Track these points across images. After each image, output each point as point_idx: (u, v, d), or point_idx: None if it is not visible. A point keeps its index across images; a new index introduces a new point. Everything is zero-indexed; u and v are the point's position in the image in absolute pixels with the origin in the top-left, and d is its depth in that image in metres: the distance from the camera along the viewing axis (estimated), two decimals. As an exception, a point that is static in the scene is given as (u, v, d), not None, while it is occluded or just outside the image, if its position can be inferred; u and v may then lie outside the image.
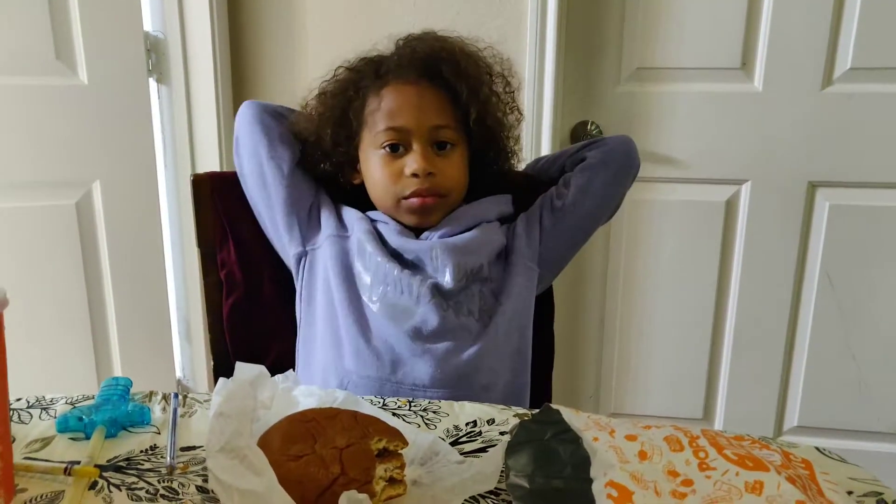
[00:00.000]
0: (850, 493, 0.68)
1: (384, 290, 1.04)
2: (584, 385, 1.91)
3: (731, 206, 1.75)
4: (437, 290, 1.03)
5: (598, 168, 1.12)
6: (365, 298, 1.06)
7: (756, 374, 1.82)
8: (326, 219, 1.11)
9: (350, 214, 1.12)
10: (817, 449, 0.78)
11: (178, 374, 1.90)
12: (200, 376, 1.89)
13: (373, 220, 1.10)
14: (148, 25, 1.70)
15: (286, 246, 1.12)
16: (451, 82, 1.05)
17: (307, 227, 1.11)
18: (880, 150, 1.66)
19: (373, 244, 1.06)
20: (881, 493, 0.69)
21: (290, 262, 1.13)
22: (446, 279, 1.03)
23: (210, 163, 1.75)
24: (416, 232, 1.10)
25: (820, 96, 1.65)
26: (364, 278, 1.06)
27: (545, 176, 1.20)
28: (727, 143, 1.70)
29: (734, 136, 1.69)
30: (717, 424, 1.87)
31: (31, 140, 1.63)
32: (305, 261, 1.11)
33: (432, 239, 1.08)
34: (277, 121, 1.13)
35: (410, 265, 1.06)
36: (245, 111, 1.14)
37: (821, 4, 1.60)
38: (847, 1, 1.59)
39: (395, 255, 1.06)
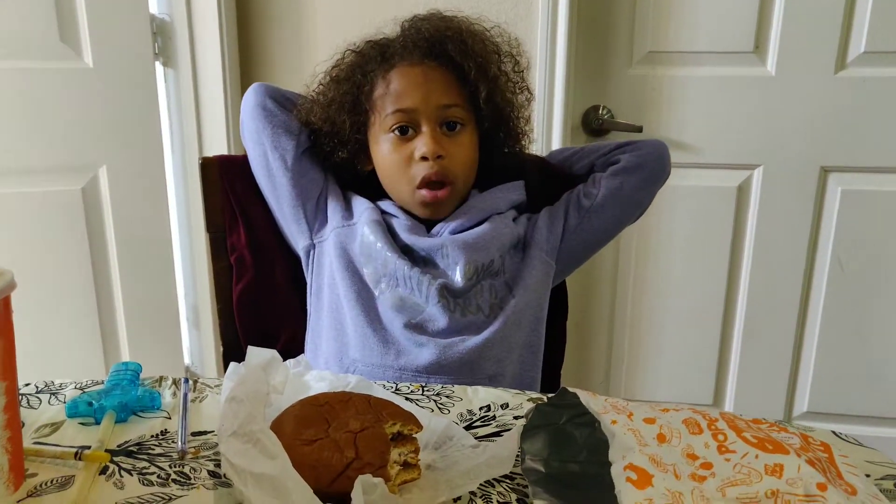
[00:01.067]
0: (867, 475, 0.67)
1: (393, 284, 1.03)
2: (594, 371, 1.90)
3: (742, 192, 1.73)
4: (446, 290, 1.02)
5: (632, 173, 1.11)
6: (372, 287, 1.05)
7: (767, 359, 1.81)
8: (333, 209, 1.10)
9: (359, 202, 1.10)
10: (834, 433, 0.77)
11: (186, 360, 1.89)
12: (209, 363, 1.88)
13: (383, 212, 1.09)
14: (154, 8, 1.69)
15: (295, 236, 1.12)
16: (457, 61, 1.03)
17: (315, 218, 1.10)
18: (893, 134, 1.64)
19: (383, 238, 1.04)
20: (900, 477, 0.68)
21: (300, 252, 1.12)
22: (457, 278, 1.03)
23: (218, 147, 1.74)
24: (428, 224, 1.08)
25: (833, 80, 1.62)
26: (369, 268, 1.05)
27: (570, 170, 1.19)
28: (739, 127, 1.68)
29: (746, 120, 1.68)
30: (727, 409, 1.86)
31: (37, 124, 1.62)
32: (314, 253, 1.10)
33: (443, 235, 1.07)
34: (283, 107, 1.11)
35: (421, 261, 1.05)
36: (250, 96, 1.12)
37: (835, -13, 1.58)
38: (862, -17, 1.57)
39: (406, 251, 1.05)
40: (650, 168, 1.12)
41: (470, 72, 1.03)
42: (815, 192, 1.70)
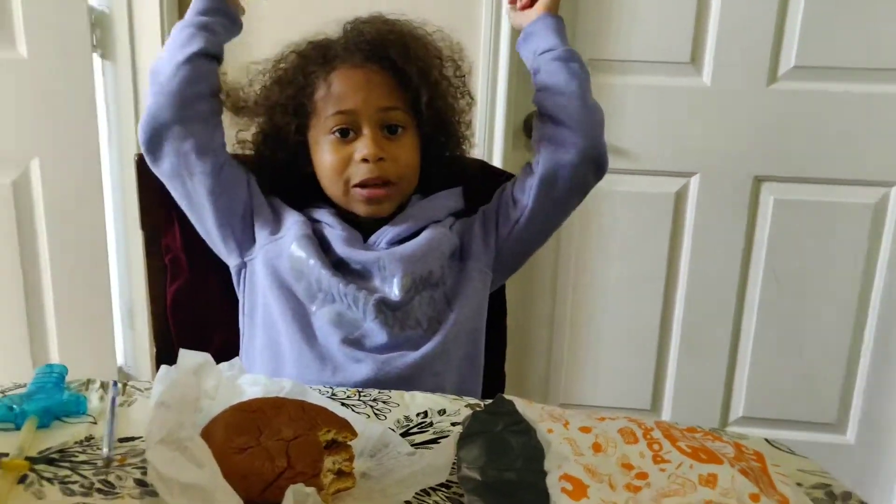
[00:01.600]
0: (799, 484, 0.68)
1: (329, 300, 1.01)
2: (533, 374, 1.91)
3: (679, 199, 1.76)
4: (383, 305, 1.00)
5: (559, 177, 1.06)
6: (307, 303, 1.03)
7: (703, 364, 1.85)
8: (260, 225, 1.06)
9: (288, 215, 1.07)
10: (767, 441, 0.78)
11: (120, 361, 1.84)
12: (143, 364, 1.83)
13: (317, 222, 1.07)
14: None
15: (224, 255, 1.08)
16: (399, 65, 1.02)
17: (242, 235, 1.07)
18: (823, 146, 1.69)
19: (315, 254, 1.01)
20: (829, 486, 0.70)
21: (231, 269, 1.09)
22: (394, 291, 1.01)
23: (155, 144, 1.69)
24: (364, 233, 1.07)
25: (766, 92, 1.67)
26: (301, 284, 1.02)
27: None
28: (676, 135, 1.72)
29: (683, 129, 1.71)
30: (665, 414, 1.90)
31: (-34, 115, 1.57)
32: (245, 272, 1.07)
33: (380, 246, 1.05)
34: (208, 105, 1.04)
35: (356, 275, 1.03)
36: (168, 84, 1.01)
37: (766, 3, 1.62)
38: (791, 1, 1.62)
39: (340, 264, 1.03)
40: (581, 172, 1.06)
41: (411, 76, 1.02)
42: (749, 200, 1.74)
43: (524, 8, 1.13)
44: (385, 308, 1.00)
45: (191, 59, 1.01)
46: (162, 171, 1.04)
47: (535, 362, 1.91)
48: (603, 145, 1.06)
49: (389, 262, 1.02)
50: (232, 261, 1.08)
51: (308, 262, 1.01)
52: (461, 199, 1.14)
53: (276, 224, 1.07)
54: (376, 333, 1.00)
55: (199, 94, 1.02)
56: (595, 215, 1.78)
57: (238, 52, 1.60)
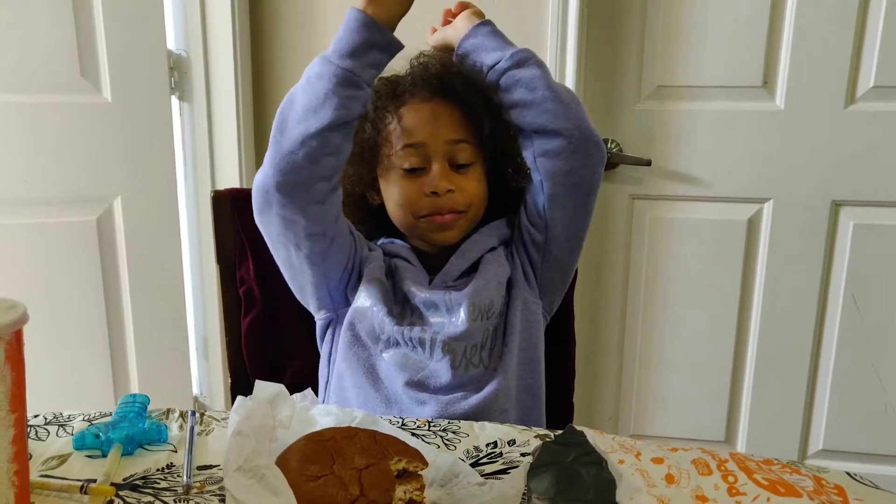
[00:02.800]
0: (883, 520, 0.66)
1: (392, 344, 1.03)
2: (603, 405, 1.89)
3: (753, 225, 1.73)
4: (449, 343, 1.00)
5: (568, 192, 1.04)
6: (371, 346, 1.04)
7: (780, 395, 1.79)
8: (355, 283, 1.07)
9: (369, 261, 1.07)
10: (848, 474, 0.75)
11: (195, 391, 1.89)
12: (217, 393, 1.88)
13: (393, 255, 1.09)
14: (171, 44, 1.72)
15: (311, 308, 1.10)
16: (464, 97, 1.04)
17: (336, 293, 1.07)
18: (905, 168, 1.63)
19: (380, 300, 1.02)
20: (915, 522, 0.67)
21: (316, 319, 1.10)
22: (459, 321, 1.01)
23: (230, 180, 1.75)
24: (432, 263, 1.08)
25: (843, 114, 1.63)
26: (364, 325, 1.03)
27: None
28: (749, 161, 1.68)
29: (756, 154, 1.68)
30: (740, 447, 1.84)
31: (55, 156, 1.65)
32: (335, 325, 1.08)
33: (446, 284, 1.06)
34: (328, 185, 0.98)
35: (420, 313, 1.04)
36: (287, 157, 0.94)
37: (843, 23, 1.58)
38: (870, 20, 1.58)
39: (406, 300, 1.05)
40: (582, 165, 1.02)
41: (476, 107, 1.04)
42: (827, 225, 1.69)
43: (446, 24, 1.11)
44: (452, 343, 1.01)
45: (320, 133, 0.92)
46: (268, 233, 1.02)
47: (604, 392, 1.88)
48: (587, 125, 1.00)
49: (455, 301, 1.03)
50: (321, 314, 1.09)
51: (372, 309, 1.03)
52: (506, 227, 1.14)
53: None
54: (441, 374, 1.00)
55: (321, 175, 0.95)
56: (666, 243, 1.76)
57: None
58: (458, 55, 1.04)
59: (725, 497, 0.59)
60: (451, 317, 1.03)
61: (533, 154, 1.02)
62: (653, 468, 0.62)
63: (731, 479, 0.61)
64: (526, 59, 1.00)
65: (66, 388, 1.71)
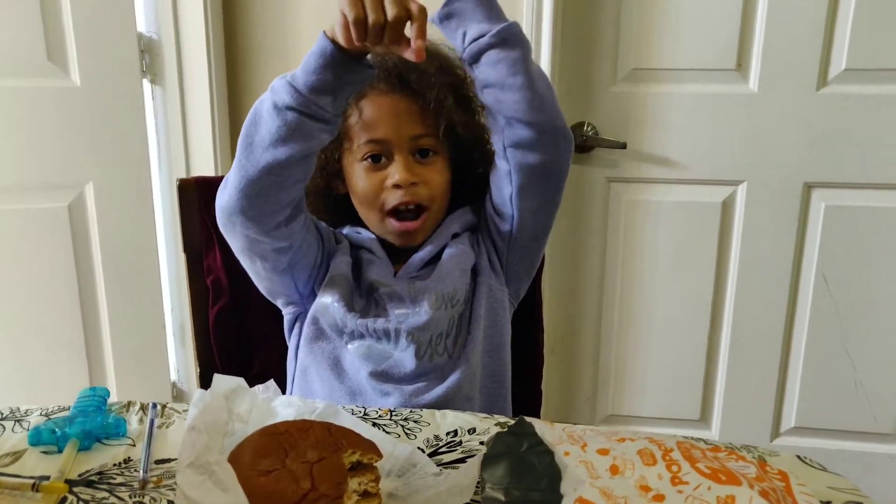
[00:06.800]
0: (828, 502, 0.67)
1: (356, 336, 1.03)
2: (580, 387, 1.90)
3: (727, 207, 1.73)
4: (414, 332, 1.01)
5: (538, 181, 1.02)
6: (336, 339, 1.04)
7: (753, 375, 1.81)
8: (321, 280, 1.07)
9: (336, 255, 1.08)
10: (798, 457, 0.77)
11: (173, 377, 1.89)
12: (195, 380, 1.88)
13: (358, 247, 1.09)
14: (142, 26, 1.70)
15: (279, 305, 1.10)
16: (422, 92, 1.03)
17: (304, 290, 1.07)
18: (876, 151, 1.64)
19: (340, 296, 1.02)
20: (860, 503, 0.68)
21: (284, 314, 1.10)
22: (424, 309, 1.02)
23: (205, 166, 1.74)
24: (398, 254, 1.09)
25: (815, 97, 1.63)
26: (327, 319, 1.04)
27: None
28: (723, 143, 1.69)
29: (730, 136, 1.68)
30: (714, 425, 1.86)
31: (24, 142, 1.63)
32: (303, 318, 1.08)
33: (409, 276, 1.07)
34: (291, 209, 0.98)
35: (383, 304, 1.04)
36: (250, 186, 0.92)
37: (815, 6, 1.58)
38: (841, 4, 1.58)
39: (371, 289, 1.05)
40: (552, 158, 1.00)
41: (431, 103, 1.03)
42: (799, 207, 1.70)
43: None
44: (416, 333, 1.01)
45: (288, 164, 0.90)
46: (234, 247, 1.02)
47: (582, 374, 1.89)
48: (561, 118, 0.99)
49: (419, 290, 1.03)
50: (289, 309, 1.10)
51: (333, 305, 1.03)
52: (471, 213, 1.14)
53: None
54: (406, 363, 1.01)
55: (287, 201, 0.95)
56: (641, 226, 1.77)
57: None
58: (441, 13, 0.95)
59: (668, 487, 0.60)
60: (415, 307, 1.03)
61: (503, 143, 1.00)
62: (598, 459, 0.63)
63: (674, 468, 0.61)
64: (510, 37, 0.93)
65: (41, 379, 1.70)
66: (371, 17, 0.82)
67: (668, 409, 1.88)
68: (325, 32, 0.88)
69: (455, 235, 1.10)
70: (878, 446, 1.80)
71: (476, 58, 0.95)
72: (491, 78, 0.95)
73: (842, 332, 1.76)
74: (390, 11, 0.82)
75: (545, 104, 0.96)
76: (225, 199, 0.95)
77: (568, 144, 1.00)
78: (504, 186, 1.03)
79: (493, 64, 0.94)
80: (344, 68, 0.88)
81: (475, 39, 0.94)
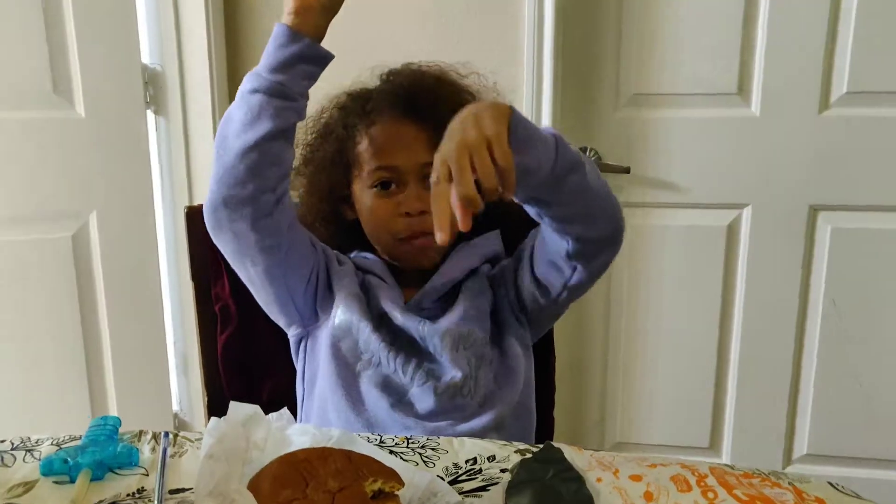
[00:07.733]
0: (864, 531, 0.65)
1: (376, 362, 1.01)
2: (588, 413, 1.88)
3: (732, 231, 1.73)
4: (432, 374, 1.00)
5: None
6: (353, 364, 1.02)
7: (763, 401, 1.79)
8: (324, 296, 1.06)
9: (341, 275, 1.06)
10: (830, 484, 0.75)
11: (175, 407, 1.87)
12: (197, 410, 1.86)
13: (366, 272, 1.08)
14: (146, 58, 1.70)
15: (282, 325, 1.09)
16: (434, 119, 1.01)
17: (304, 308, 1.06)
18: (880, 173, 1.65)
19: (362, 315, 1.01)
20: (896, 531, 0.67)
21: (289, 336, 1.09)
22: (437, 352, 1.01)
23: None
24: (409, 281, 1.07)
25: (818, 120, 1.64)
26: (346, 343, 1.02)
27: None
28: (727, 167, 1.69)
29: (733, 160, 1.68)
30: (725, 453, 1.84)
31: (29, 173, 1.63)
32: (306, 341, 1.07)
33: (423, 305, 1.05)
34: (273, 195, 0.96)
35: (399, 336, 1.03)
36: (229, 174, 0.93)
37: (815, 30, 1.60)
38: (841, 27, 1.59)
39: (383, 319, 1.04)
40: (611, 259, 1.02)
41: (440, 129, 1.02)
42: (805, 230, 1.70)
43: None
44: (429, 372, 1.00)
45: (258, 145, 0.91)
46: (225, 252, 1.01)
47: (589, 402, 1.87)
48: (622, 220, 0.98)
49: (432, 336, 1.01)
50: (292, 330, 1.08)
51: (358, 325, 1.02)
52: (499, 242, 1.13)
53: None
54: (426, 400, 0.99)
55: (265, 187, 0.94)
56: (646, 251, 1.76)
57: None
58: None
59: (705, 513, 0.59)
60: (428, 347, 1.02)
61: (567, 252, 0.97)
62: (631, 486, 0.61)
63: (710, 495, 0.60)
64: (576, 161, 0.89)
65: (42, 409, 1.68)
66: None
67: (677, 437, 1.86)
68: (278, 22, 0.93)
69: (474, 271, 1.08)
70: (891, 473, 1.77)
71: (546, 192, 0.91)
72: (560, 213, 0.93)
73: (852, 356, 1.74)
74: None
75: (615, 211, 0.96)
76: (208, 196, 0.97)
77: (622, 236, 0.99)
78: (558, 275, 1.01)
79: (559, 198, 0.91)
80: (297, 44, 0.92)
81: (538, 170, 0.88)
